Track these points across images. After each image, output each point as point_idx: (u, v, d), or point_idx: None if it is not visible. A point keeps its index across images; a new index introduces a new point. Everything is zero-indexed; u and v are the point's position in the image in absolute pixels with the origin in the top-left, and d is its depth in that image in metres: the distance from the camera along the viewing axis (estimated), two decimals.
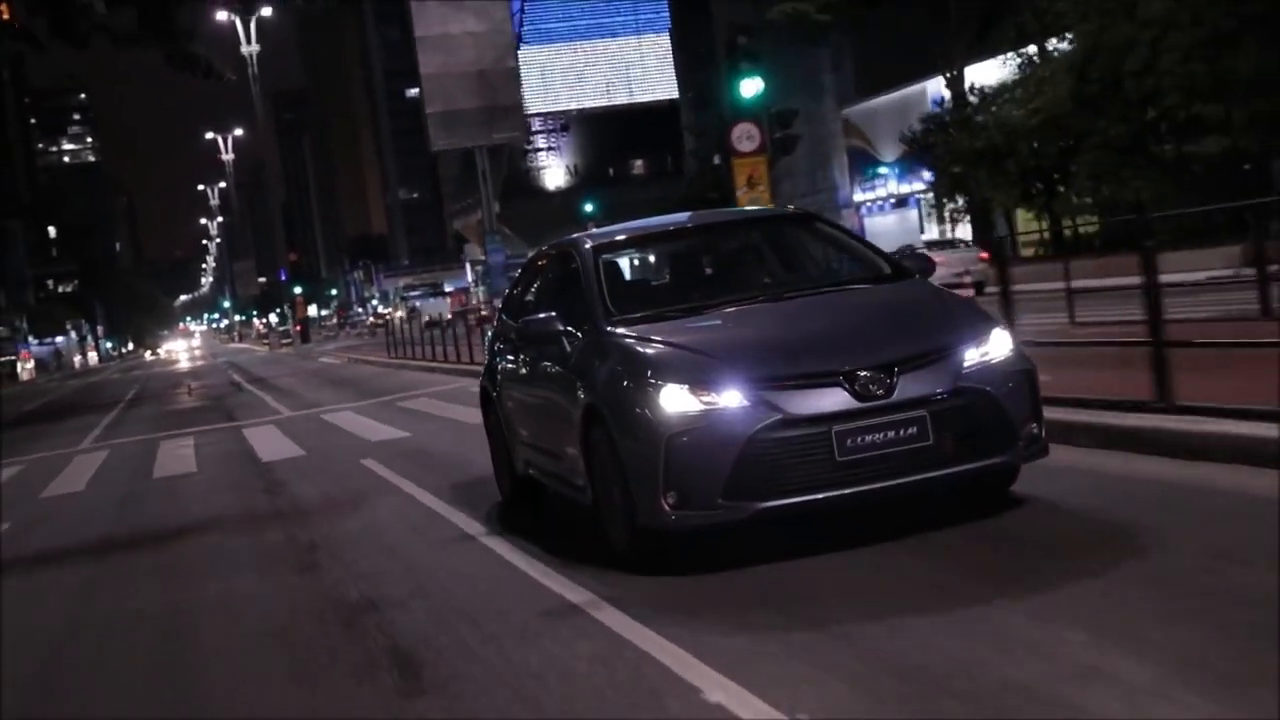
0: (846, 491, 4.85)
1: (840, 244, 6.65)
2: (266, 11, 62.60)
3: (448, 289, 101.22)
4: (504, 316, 7.70)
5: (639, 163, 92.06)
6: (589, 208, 59.75)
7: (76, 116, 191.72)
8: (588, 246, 6.32)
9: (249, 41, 61.77)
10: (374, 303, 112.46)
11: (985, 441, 5.04)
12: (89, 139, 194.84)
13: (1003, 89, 29.21)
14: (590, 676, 3.99)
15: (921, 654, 3.73)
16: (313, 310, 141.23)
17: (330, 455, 11.63)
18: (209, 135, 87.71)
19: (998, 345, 5.18)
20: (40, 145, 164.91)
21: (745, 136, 15.28)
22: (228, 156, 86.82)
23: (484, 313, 27.82)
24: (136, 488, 11.33)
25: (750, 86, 15.61)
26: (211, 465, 12.23)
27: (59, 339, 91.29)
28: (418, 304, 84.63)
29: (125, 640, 5.54)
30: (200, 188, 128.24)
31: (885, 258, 6.26)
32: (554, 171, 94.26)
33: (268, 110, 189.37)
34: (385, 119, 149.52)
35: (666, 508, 4.91)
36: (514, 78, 25.86)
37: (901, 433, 4.86)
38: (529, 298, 7.20)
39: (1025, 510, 5.38)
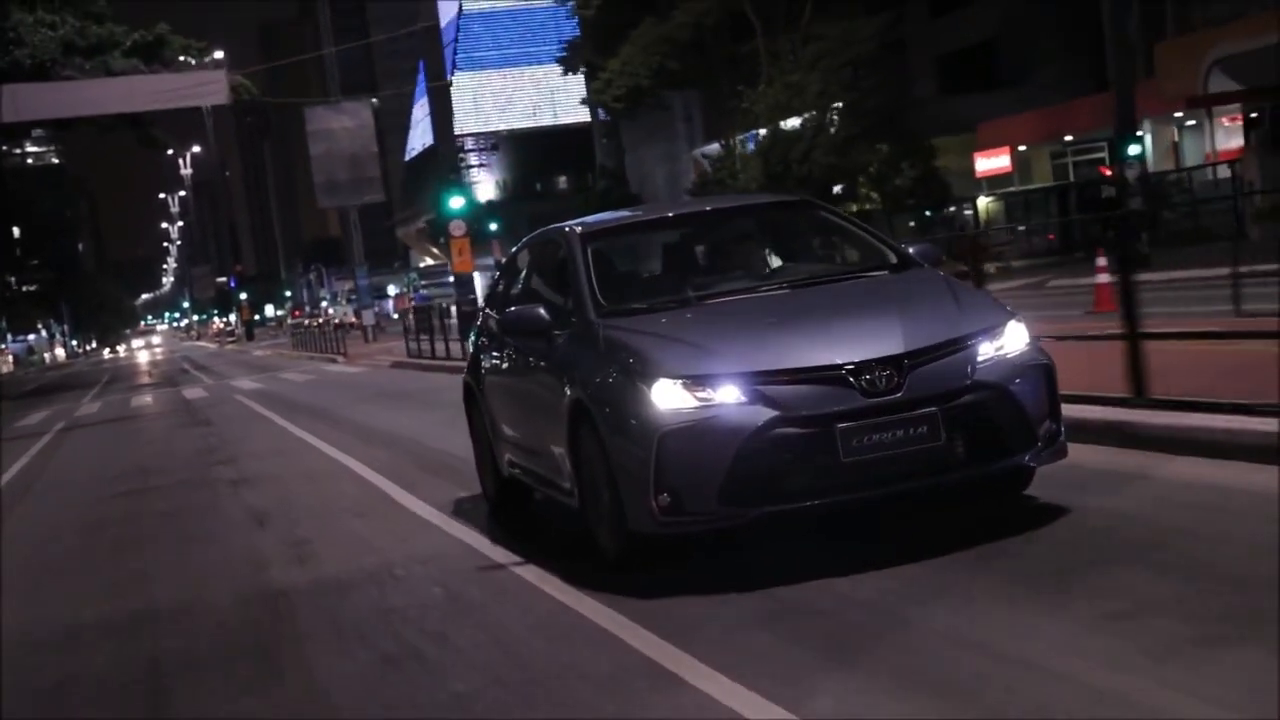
0: (852, 496, 4.72)
1: (844, 232, 6.47)
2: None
3: (391, 291, 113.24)
4: (488, 309, 7.51)
5: (562, 179, 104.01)
6: (494, 226, 71.62)
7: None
8: (577, 234, 6.13)
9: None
10: (324, 304, 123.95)
11: (1001, 442, 4.91)
12: (52, 143, 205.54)
13: (745, 158, 41.46)
14: None
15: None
16: (270, 310, 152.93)
17: (221, 395, 23.74)
18: (169, 151, 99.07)
19: (1013, 339, 5.04)
20: (4, 148, 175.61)
21: (456, 227, 27.40)
22: (186, 171, 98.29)
23: (352, 320, 39.51)
24: (124, 409, 23.55)
25: (457, 201, 27.88)
26: (161, 402, 24.42)
27: (30, 336, 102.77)
28: (330, 308, 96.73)
29: (124, 439, 17.75)
30: (161, 196, 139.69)
31: (892, 246, 6.09)
32: (485, 186, 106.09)
33: (229, 114, 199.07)
34: None
35: (658, 511, 4.73)
36: (374, 158, 37.67)
37: (911, 432, 4.70)
38: (514, 290, 7.09)
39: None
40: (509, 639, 4.65)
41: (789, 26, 37.81)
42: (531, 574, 5.55)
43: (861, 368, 4.72)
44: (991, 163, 43.42)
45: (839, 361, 4.74)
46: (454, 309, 27.38)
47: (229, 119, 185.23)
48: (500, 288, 7.45)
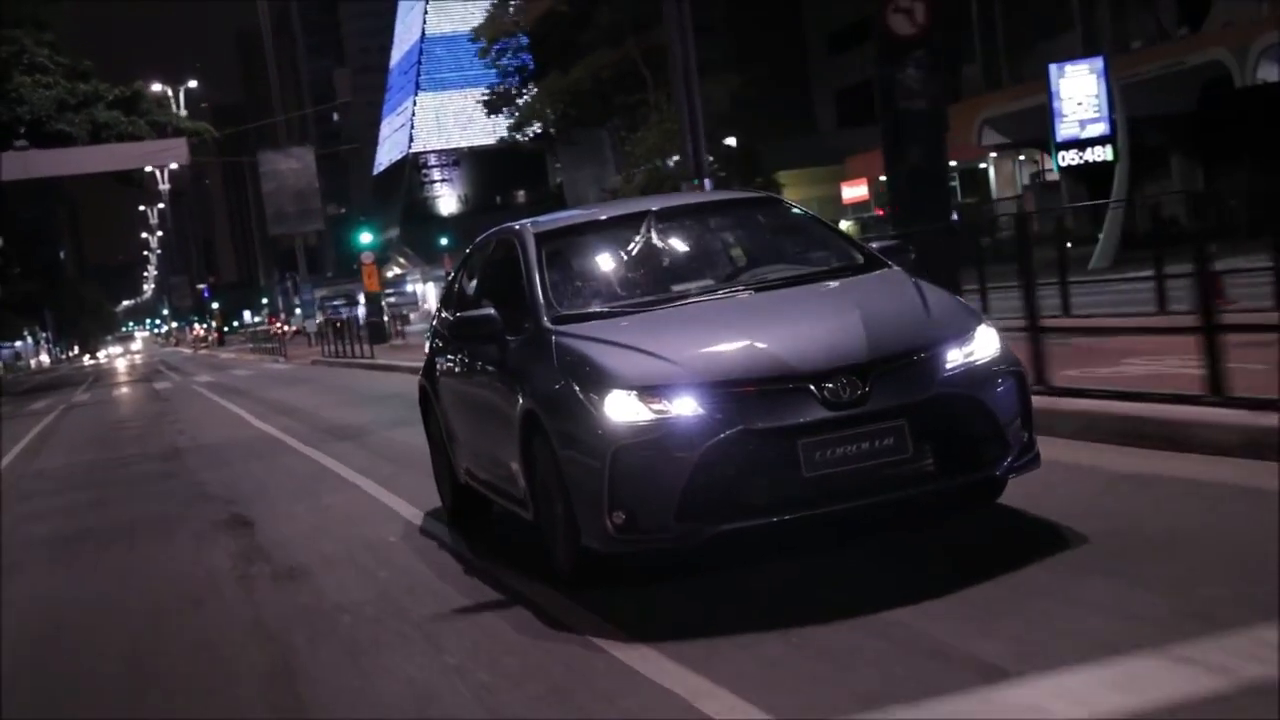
0: (815, 511, 4.67)
1: (808, 231, 6.43)
2: (193, 83, 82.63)
3: (361, 299, 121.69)
4: (442, 312, 7.47)
5: (521, 193, 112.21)
6: (444, 241, 79.87)
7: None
8: (529, 234, 6.09)
9: (178, 107, 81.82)
10: (297, 311, 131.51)
11: (972, 452, 4.88)
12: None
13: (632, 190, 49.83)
14: None
15: None
16: (248, 316, 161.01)
17: (183, 387, 31.95)
18: (147, 169, 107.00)
19: (983, 344, 5.00)
20: None
21: (366, 257, 35.59)
22: (164, 186, 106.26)
23: (294, 328, 47.95)
24: (109, 396, 31.87)
25: (366, 237, 36.28)
26: (137, 391, 32.73)
27: (18, 343, 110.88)
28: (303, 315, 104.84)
29: (110, 410, 26.10)
30: (141, 208, 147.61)
31: (858, 246, 6.12)
32: (448, 200, 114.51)
33: (209, 122, 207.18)
34: (315, 141, 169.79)
35: (612, 529, 4.70)
36: (316, 193, 45.84)
37: (877, 444, 4.65)
38: (469, 291, 6.96)
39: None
40: (269, 456, 12.96)
41: (668, 82, 46.26)
42: (295, 442, 13.90)
43: (825, 377, 4.64)
44: (854, 191, 51.70)
45: (801, 371, 4.66)
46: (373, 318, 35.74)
47: (209, 121, 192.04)
48: (455, 288, 7.33)
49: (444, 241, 79.34)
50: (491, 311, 5.86)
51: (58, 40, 44.55)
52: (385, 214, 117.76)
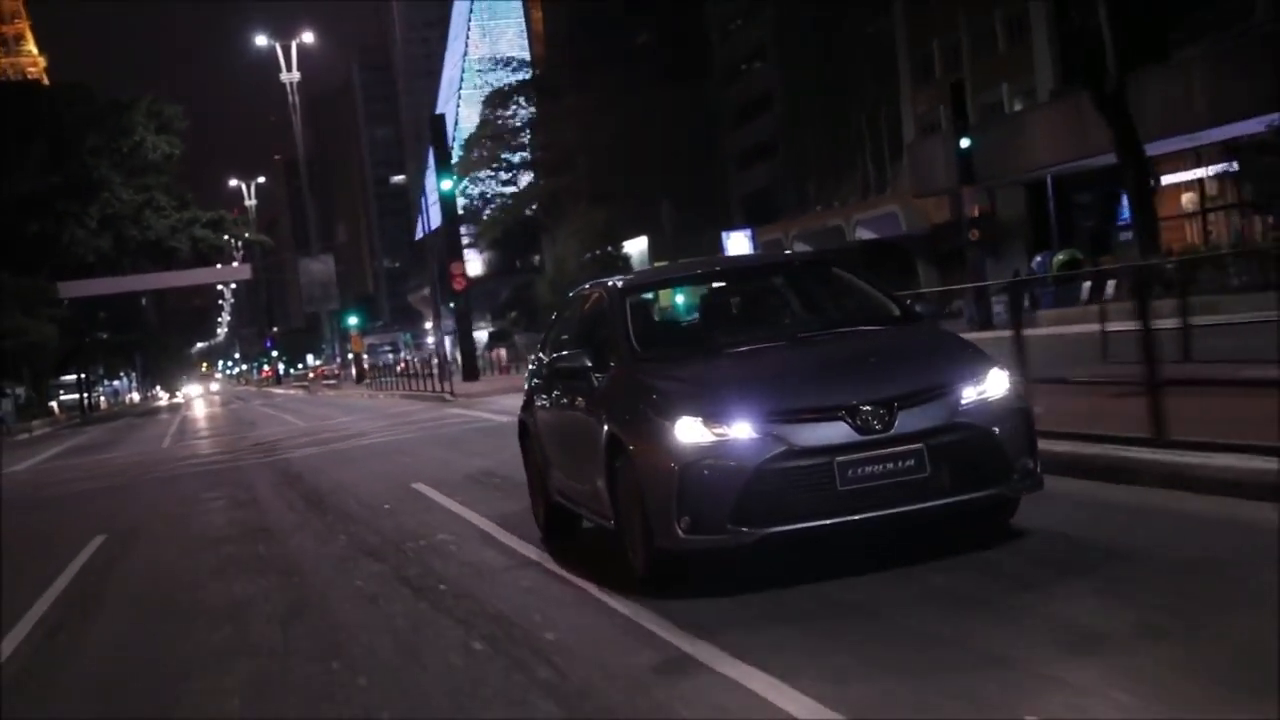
0: (847, 519, 5.89)
1: (854, 289, 7.93)
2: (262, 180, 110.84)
3: (402, 347, 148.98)
4: (540, 354, 8.98)
5: (536, 258, 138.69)
6: (451, 304, 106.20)
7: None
8: (617, 289, 7.59)
9: (249, 197, 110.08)
10: (349, 355, 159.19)
11: (981, 474, 6.09)
12: None
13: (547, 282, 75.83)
14: None
15: None
16: (310, 359, 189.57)
17: (246, 406, 58.53)
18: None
19: (995, 384, 6.25)
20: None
21: (354, 331, 61.73)
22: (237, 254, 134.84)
23: (336, 370, 75.04)
24: (203, 413, 59.11)
25: (353, 320, 62.68)
26: (219, 409, 59.72)
27: (115, 382, 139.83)
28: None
29: (206, 417, 53.21)
30: (218, 265, 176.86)
31: (897, 301, 7.52)
32: (474, 263, 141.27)
33: (279, 176, 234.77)
34: (374, 200, 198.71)
35: (680, 532, 5.98)
36: (334, 283, 72.04)
37: (900, 464, 5.90)
38: (564, 336, 8.45)
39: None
40: (264, 417, 39.73)
41: (570, 209, 72.58)
42: (275, 413, 40.68)
43: (857, 408, 5.92)
44: None
45: (838, 402, 5.96)
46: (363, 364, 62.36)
47: (280, 176, 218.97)
48: (552, 331, 9.00)
49: (451, 305, 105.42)
50: (582, 351, 7.35)
51: (170, 181, 72.33)
52: (424, 272, 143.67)
